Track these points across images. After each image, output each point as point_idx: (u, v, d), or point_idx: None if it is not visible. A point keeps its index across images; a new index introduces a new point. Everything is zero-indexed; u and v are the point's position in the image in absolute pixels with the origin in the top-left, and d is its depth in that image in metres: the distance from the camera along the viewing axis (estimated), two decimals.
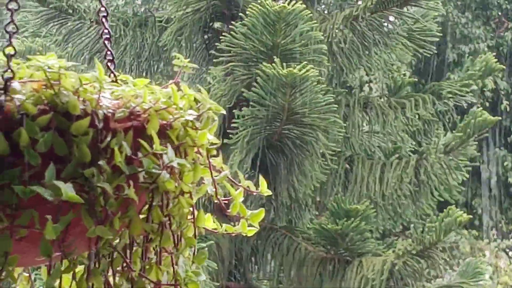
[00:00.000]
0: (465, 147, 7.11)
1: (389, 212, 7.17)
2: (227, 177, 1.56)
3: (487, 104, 13.03)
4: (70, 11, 7.13)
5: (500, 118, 7.61)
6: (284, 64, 5.75)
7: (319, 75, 6.10)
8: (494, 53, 7.95)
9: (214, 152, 1.54)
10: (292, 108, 6.00)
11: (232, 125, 6.17)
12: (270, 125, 6.21)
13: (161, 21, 7.05)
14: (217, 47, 6.26)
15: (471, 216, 6.74)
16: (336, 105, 6.16)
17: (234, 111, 6.27)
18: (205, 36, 7.06)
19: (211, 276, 6.07)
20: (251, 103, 6.08)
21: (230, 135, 6.18)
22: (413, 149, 7.57)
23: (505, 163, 13.61)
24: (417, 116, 7.21)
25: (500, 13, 14.09)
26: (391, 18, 7.29)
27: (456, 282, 6.73)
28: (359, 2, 7.12)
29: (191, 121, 1.50)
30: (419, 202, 7.16)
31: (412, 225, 12.53)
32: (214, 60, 6.45)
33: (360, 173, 6.98)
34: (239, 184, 1.59)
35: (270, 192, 1.62)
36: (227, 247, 6.90)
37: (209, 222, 1.60)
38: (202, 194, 1.53)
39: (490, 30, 13.79)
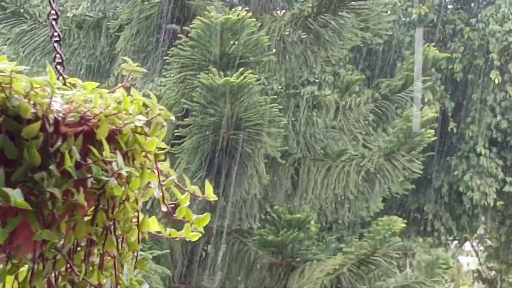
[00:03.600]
0: (407, 151, 7.17)
1: (335, 215, 7.25)
2: (174, 182, 1.58)
3: (436, 124, 13.24)
4: (26, 15, 7.10)
5: (436, 114, 7.62)
6: (229, 72, 5.80)
7: (268, 78, 6.17)
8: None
9: (162, 157, 1.56)
10: (235, 114, 6.05)
11: (177, 134, 6.21)
12: (217, 131, 6.25)
13: (115, 27, 7.03)
14: (169, 55, 6.29)
15: (404, 225, 6.83)
16: (278, 107, 6.21)
17: (181, 121, 6.30)
18: (159, 41, 7.05)
19: (163, 280, 6.08)
20: (193, 112, 6.12)
21: (175, 145, 6.22)
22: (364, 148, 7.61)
23: (456, 172, 13.85)
24: (363, 116, 7.28)
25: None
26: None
27: (414, 281, 6.83)
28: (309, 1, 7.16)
29: (140, 126, 1.51)
30: (367, 205, 7.25)
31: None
32: (166, 67, 6.47)
33: (306, 175, 7.04)
34: (186, 189, 1.61)
35: (216, 198, 1.64)
36: (179, 251, 6.92)
37: (154, 225, 1.61)
38: (148, 198, 1.55)
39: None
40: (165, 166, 1.58)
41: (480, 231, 16.31)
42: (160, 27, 6.86)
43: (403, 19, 14.02)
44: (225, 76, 5.78)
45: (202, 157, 6.36)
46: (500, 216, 14.83)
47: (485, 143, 13.83)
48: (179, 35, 6.33)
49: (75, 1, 9.27)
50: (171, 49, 6.30)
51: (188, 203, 1.59)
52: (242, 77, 5.73)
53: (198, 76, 5.99)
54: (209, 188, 1.62)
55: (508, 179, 13.89)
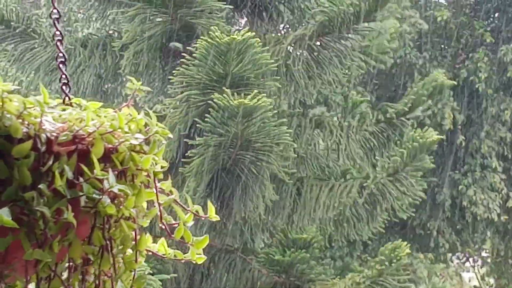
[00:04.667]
0: (416, 165, 7.18)
1: (339, 235, 7.24)
2: (176, 201, 1.57)
3: (445, 137, 13.22)
4: (33, 34, 7.13)
5: (443, 137, 7.68)
6: (236, 93, 5.83)
7: (275, 95, 6.18)
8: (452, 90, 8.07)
9: (161, 176, 1.55)
10: (245, 135, 6.06)
11: (187, 154, 6.22)
12: (224, 152, 6.25)
13: (119, 46, 7.05)
14: (174, 74, 6.31)
15: (408, 251, 6.83)
16: (288, 131, 6.22)
17: (186, 140, 6.30)
18: (163, 60, 7.07)
19: None
20: (204, 132, 6.13)
21: (184, 165, 6.22)
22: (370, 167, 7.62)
23: (460, 187, 13.79)
24: (369, 137, 7.29)
25: (458, 47, 14.35)
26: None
27: None
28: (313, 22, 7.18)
29: (138, 144, 1.50)
30: (371, 223, 7.24)
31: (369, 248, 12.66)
32: (169, 87, 6.49)
33: (309, 195, 7.03)
34: (188, 208, 1.60)
35: (218, 218, 1.63)
36: (182, 268, 6.91)
37: (161, 247, 1.60)
38: (151, 217, 1.54)
39: (446, 66, 14.01)
40: (166, 185, 1.57)
41: (484, 246, 16.22)
42: (163, 46, 6.88)
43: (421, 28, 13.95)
44: (236, 96, 5.79)
45: (209, 176, 6.37)
46: (504, 231, 14.76)
47: (494, 157, 13.79)
48: (183, 54, 6.34)
49: (86, 21, 9.32)
50: (176, 68, 6.32)
51: (192, 223, 1.58)
52: (255, 99, 5.73)
53: (208, 95, 6.00)
54: (211, 208, 1.61)
55: (511, 193, 13.85)
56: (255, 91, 5.85)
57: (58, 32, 1.70)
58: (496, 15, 14.75)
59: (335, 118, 7.41)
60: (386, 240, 11.52)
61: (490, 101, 13.97)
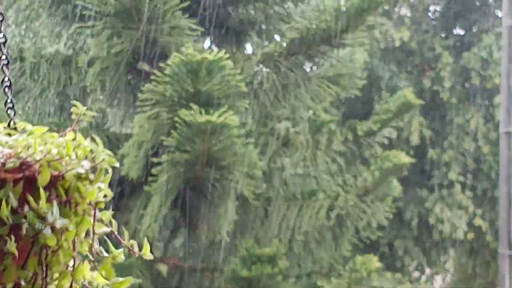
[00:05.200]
0: (384, 188, 7.24)
1: (304, 255, 7.24)
2: (114, 234, 1.57)
3: (414, 152, 13.31)
4: None
5: (413, 160, 7.76)
6: (204, 110, 5.82)
7: (242, 114, 6.20)
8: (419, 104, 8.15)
9: (103, 205, 1.54)
10: (212, 153, 6.05)
11: (152, 171, 6.20)
12: (190, 169, 6.24)
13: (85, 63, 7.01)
14: (142, 91, 6.29)
15: (378, 265, 6.86)
16: (255, 150, 6.24)
17: (153, 159, 6.29)
18: (130, 78, 7.05)
19: None
20: (170, 149, 6.12)
21: (150, 182, 6.20)
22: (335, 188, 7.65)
23: (426, 204, 13.88)
24: (337, 156, 7.32)
25: (421, 62, 14.51)
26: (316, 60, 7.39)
27: None
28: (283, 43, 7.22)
29: (83, 173, 1.50)
30: (338, 244, 7.25)
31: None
32: (137, 104, 6.46)
33: (276, 216, 7.04)
34: (123, 242, 1.59)
35: (151, 256, 1.62)
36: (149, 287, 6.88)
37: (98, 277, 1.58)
38: (86, 246, 1.53)
39: (413, 80, 14.16)
40: (107, 215, 1.57)
41: (451, 264, 16.30)
42: (131, 64, 6.86)
43: (384, 46, 14.08)
44: (204, 113, 5.80)
45: (175, 195, 6.35)
46: (470, 249, 14.85)
47: (460, 173, 13.89)
48: (152, 72, 6.33)
49: (55, 36, 9.26)
50: (145, 85, 6.30)
51: (123, 257, 1.57)
52: (223, 117, 5.73)
53: (177, 111, 5.99)
54: (146, 246, 1.61)
55: (478, 211, 13.95)
56: (223, 109, 5.86)
57: (4, 57, 1.70)
58: (458, 22, 14.96)
59: (302, 136, 7.43)
60: (351, 256, 11.54)
61: (455, 111, 14.10)
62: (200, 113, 5.80)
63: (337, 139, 7.34)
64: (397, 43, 13.95)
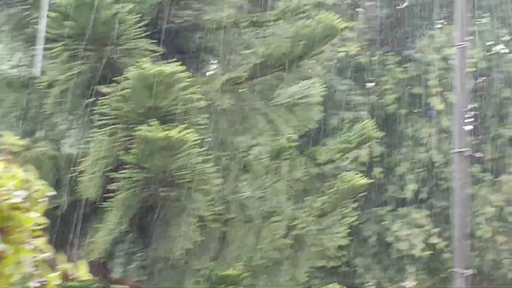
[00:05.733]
0: (341, 210, 7.32)
1: (263, 278, 7.27)
2: (47, 260, 1.60)
3: (363, 168, 13.41)
4: None
5: (372, 180, 7.89)
6: (163, 126, 5.81)
7: (201, 136, 6.23)
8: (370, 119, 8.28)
9: (39, 233, 1.59)
10: (170, 170, 6.04)
11: (110, 187, 6.17)
12: (149, 187, 6.23)
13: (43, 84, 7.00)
14: (99, 109, 6.27)
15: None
16: (214, 168, 6.24)
17: (109, 174, 6.27)
18: (89, 99, 7.04)
19: None
20: (129, 165, 6.10)
21: (107, 199, 6.18)
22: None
23: (383, 222, 13.98)
24: (297, 181, 7.40)
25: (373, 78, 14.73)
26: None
27: None
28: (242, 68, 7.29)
29: (18, 202, 1.55)
30: (297, 267, 7.30)
31: None
32: (97, 123, 6.45)
33: (235, 237, 7.06)
34: (58, 267, 1.63)
35: (90, 276, 1.66)
36: None
37: None
38: (19, 273, 1.57)
39: (367, 95, 14.33)
40: (41, 242, 1.61)
41: (409, 282, 16.40)
42: (90, 85, 6.85)
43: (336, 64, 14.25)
44: (163, 129, 5.78)
45: (132, 212, 6.32)
46: (428, 266, 14.97)
47: (415, 191, 14.01)
48: (110, 86, 6.31)
49: (15, 59, 9.22)
50: (102, 100, 6.27)
51: (59, 281, 1.61)
52: (181, 134, 5.73)
53: (135, 128, 5.95)
54: (82, 267, 1.64)
55: (434, 230, 14.07)
56: (182, 125, 5.87)
57: None
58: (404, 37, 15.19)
59: (263, 161, 7.50)
60: (311, 276, 11.59)
61: (404, 123, 14.26)
62: (159, 129, 5.80)
63: (297, 165, 7.41)
64: (349, 57, 14.14)
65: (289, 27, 7.02)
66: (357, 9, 15.59)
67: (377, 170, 14.04)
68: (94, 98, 6.92)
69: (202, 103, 6.29)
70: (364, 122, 7.90)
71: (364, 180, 7.31)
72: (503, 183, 14.67)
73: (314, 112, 7.47)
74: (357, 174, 7.50)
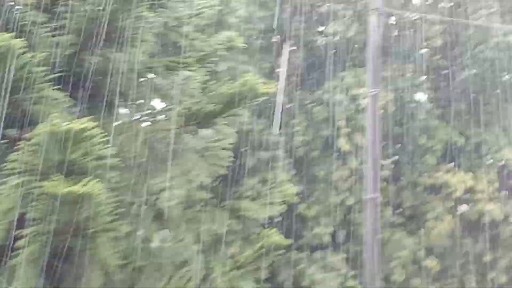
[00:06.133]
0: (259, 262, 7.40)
1: None
2: None
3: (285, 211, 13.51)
4: None
5: (291, 241, 8.03)
6: (70, 181, 5.83)
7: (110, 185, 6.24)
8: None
9: None
10: (76, 223, 6.05)
11: (17, 243, 6.13)
12: (57, 239, 6.20)
13: None
14: (9, 161, 6.25)
15: None
16: (121, 216, 6.26)
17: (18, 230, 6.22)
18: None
19: None
20: (35, 220, 6.09)
21: (16, 253, 6.12)
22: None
23: (299, 266, 14.05)
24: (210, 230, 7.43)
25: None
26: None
27: None
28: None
29: None
30: None
31: None
32: (4, 174, 6.39)
33: (146, 284, 7.04)
34: None
35: None
36: None
37: None
38: None
39: (281, 134, 14.54)
40: None
41: None
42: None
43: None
44: (68, 183, 5.81)
45: (41, 265, 6.27)
46: None
47: (330, 234, 14.16)
48: (20, 141, 6.28)
49: None
50: (10, 155, 6.25)
51: None
52: (86, 187, 5.76)
53: (40, 182, 5.97)
54: None
55: (350, 272, 14.20)
56: (89, 178, 5.90)
57: None
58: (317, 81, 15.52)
59: (177, 210, 7.51)
60: None
61: (315, 166, 14.45)
62: (65, 183, 5.81)
63: (215, 216, 7.46)
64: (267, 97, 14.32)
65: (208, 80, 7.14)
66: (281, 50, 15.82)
67: (296, 211, 14.16)
68: (4, 145, 6.86)
69: (113, 156, 6.32)
70: (286, 185, 8.09)
71: (285, 241, 7.43)
72: (418, 227, 14.98)
73: (226, 156, 7.56)
74: (277, 232, 7.61)
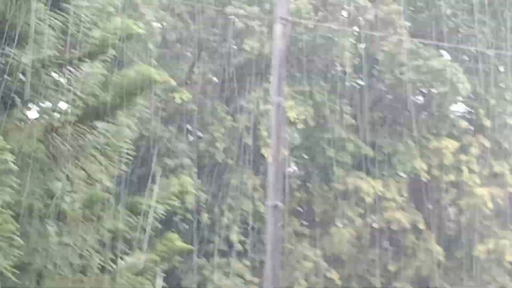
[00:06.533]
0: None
1: None
2: None
3: (190, 216, 13.51)
4: None
5: (192, 248, 8.05)
6: None
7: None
8: None
9: None
10: None
11: None
12: None
13: None
14: None
15: None
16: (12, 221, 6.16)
17: None
18: None
19: None
20: None
21: None
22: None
23: (204, 272, 14.04)
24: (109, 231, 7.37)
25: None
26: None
27: None
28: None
29: None
30: None
31: None
32: None
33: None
34: None
35: None
36: None
37: None
38: None
39: (187, 140, 14.54)
40: None
41: None
42: None
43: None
44: None
45: None
46: None
47: (237, 239, 14.21)
48: None
49: None
50: None
51: None
52: None
53: None
54: None
55: (255, 280, 14.28)
56: None
57: None
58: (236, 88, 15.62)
59: (74, 210, 7.43)
60: None
61: (231, 173, 14.52)
62: None
63: (116, 216, 7.41)
64: (177, 104, 14.33)
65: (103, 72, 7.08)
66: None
67: (201, 217, 14.15)
68: None
69: (11, 161, 6.21)
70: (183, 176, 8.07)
71: (185, 246, 7.45)
72: (324, 236, 15.19)
73: (126, 151, 7.52)
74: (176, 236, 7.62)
